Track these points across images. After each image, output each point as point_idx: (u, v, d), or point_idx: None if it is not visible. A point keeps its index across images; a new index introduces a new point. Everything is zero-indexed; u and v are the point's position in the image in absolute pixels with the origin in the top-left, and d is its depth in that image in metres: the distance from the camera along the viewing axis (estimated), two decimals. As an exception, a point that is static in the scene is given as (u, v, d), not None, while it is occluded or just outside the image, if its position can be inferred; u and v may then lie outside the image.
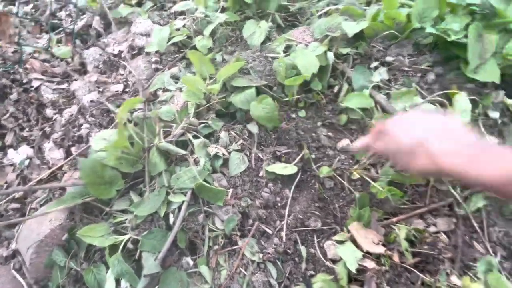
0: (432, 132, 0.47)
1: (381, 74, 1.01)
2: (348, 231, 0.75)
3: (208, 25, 1.25)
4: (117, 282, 0.71)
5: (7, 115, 1.16)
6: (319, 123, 1.01)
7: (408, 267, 0.69)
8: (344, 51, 1.07)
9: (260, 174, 0.90)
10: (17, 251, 0.84)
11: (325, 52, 1.03)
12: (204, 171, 0.80)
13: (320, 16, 1.23)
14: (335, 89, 1.04)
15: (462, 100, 0.88)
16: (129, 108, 0.80)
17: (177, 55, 1.32)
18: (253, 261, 0.74)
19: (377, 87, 1.00)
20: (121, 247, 0.72)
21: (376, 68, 1.03)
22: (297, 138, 0.97)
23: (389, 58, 1.02)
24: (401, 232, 0.72)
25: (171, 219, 0.77)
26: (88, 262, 0.77)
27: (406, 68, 0.98)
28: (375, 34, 1.06)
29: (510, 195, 0.41)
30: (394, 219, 0.73)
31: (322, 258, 0.76)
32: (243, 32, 1.18)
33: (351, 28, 1.01)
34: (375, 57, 1.05)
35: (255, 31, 1.16)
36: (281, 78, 0.99)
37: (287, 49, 1.09)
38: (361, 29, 1.02)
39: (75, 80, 1.31)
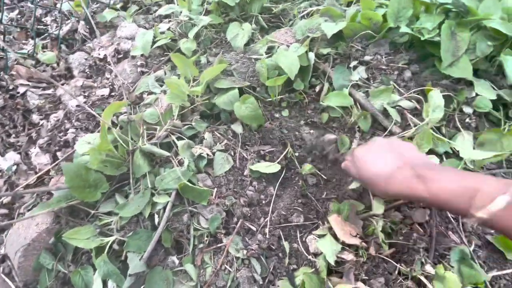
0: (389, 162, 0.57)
1: (359, 73, 1.04)
2: (329, 225, 0.78)
3: (192, 27, 1.26)
4: (104, 283, 0.73)
5: (-7, 122, 1.16)
6: (302, 122, 1.03)
7: (385, 257, 0.72)
8: (325, 51, 1.09)
9: (245, 173, 0.92)
10: (6, 256, 0.84)
11: (306, 52, 1.05)
12: (188, 172, 0.82)
13: (302, 18, 1.26)
14: (317, 89, 1.06)
15: (436, 96, 0.91)
16: (113, 111, 0.82)
17: (162, 58, 1.33)
18: (237, 258, 0.76)
19: (356, 86, 1.03)
20: (107, 248, 0.73)
21: (355, 67, 1.06)
22: (281, 137, 0.99)
23: (367, 57, 1.05)
24: (378, 224, 0.75)
25: (156, 220, 0.78)
26: (76, 265, 0.78)
27: (384, 67, 1.01)
28: (353, 34, 1.09)
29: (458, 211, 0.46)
30: (371, 212, 0.76)
31: (305, 253, 0.78)
32: (227, 34, 1.20)
33: (330, 28, 1.04)
34: (354, 56, 1.08)
35: (238, 33, 1.19)
36: (263, 79, 1.01)
37: (270, 50, 1.11)
38: (340, 30, 1.05)
39: (62, 84, 1.31)
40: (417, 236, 0.72)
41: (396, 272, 0.72)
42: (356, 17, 1.08)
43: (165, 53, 1.33)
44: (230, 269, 0.75)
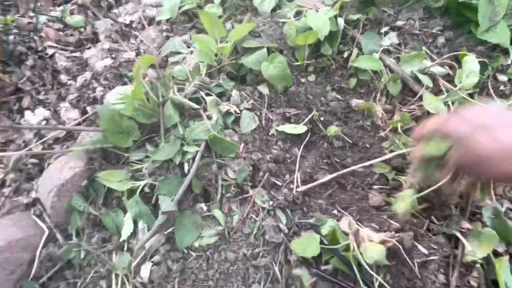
0: None
1: (391, 39, 1.02)
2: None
3: (219, -7, 1.25)
4: (135, 224, 0.75)
5: (24, 79, 1.20)
6: (328, 88, 1.02)
7: (415, 212, 0.72)
8: (354, 17, 1.07)
9: (270, 133, 0.92)
10: (37, 199, 0.88)
11: (335, 17, 1.04)
12: (217, 125, 0.83)
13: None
14: (345, 55, 1.05)
15: (471, 61, 0.89)
16: (145, 63, 0.83)
17: (187, 25, 1.34)
18: (263, 208, 0.77)
19: (387, 51, 1.01)
20: (138, 191, 0.75)
21: (386, 33, 1.04)
22: (307, 102, 0.99)
23: (399, 23, 1.03)
24: (407, 181, 0.74)
25: (186, 168, 0.80)
26: (106, 208, 0.81)
27: (417, 32, 0.99)
28: (384, 0, 1.06)
29: None
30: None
31: (330, 208, 0.78)
32: (254, 0, 1.19)
33: (362, -8, 1.01)
34: (386, 22, 1.05)
35: (265, -2, 1.17)
36: (291, 41, 1.00)
37: (298, 14, 1.10)
38: (372, -5, 1.02)
39: (88, 48, 1.33)
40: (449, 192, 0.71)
41: (425, 227, 0.71)
42: (389, -18, 1.05)
43: (190, 20, 1.33)
44: (256, 218, 0.76)
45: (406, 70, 0.95)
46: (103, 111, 0.76)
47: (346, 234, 0.70)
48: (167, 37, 1.28)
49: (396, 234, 0.68)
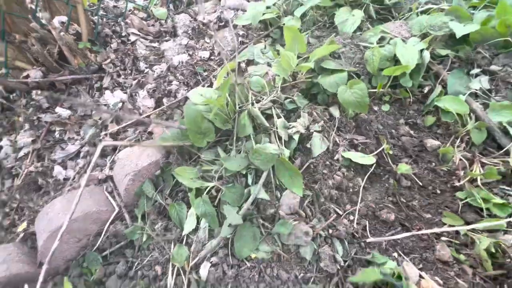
0: None
1: (481, 82, 0.96)
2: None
3: (299, 7, 1.26)
4: (197, 221, 0.79)
5: (108, 60, 1.30)
6: (401, 121, 0.99)
7: (485, 278, 0.67)
8: (443, 52, 1.02)
9: (335, 158, 0.91)
10: (110, 177, 0.95)
11: (421, 50, 0.99)
12: (286, 151, 0.83)
13: (418, 14, 1.18)
14: (425, 90, 1.00)
15: None
16: (228, 70, 0.86)
17: (262, 32, 1.36)
18: (320, 235, 0.77)
19: (474, 95, 0.95)
20: (206, 191, 0.78)
21: (476, 75, 0.98)
22: (377, 131, 0.96)
23: (494, 67, 0.96)
24: (482, 243, 0.69)
25: (249, 179, 0.82)
26: (172, 199, 0.85)
27: (513, 80, 0.92)
28: (482, 40, 0.99)
29: None
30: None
31: (390, 249, 0.76)
32: (336, 18, 1.18)
33: (460, 29, 0.96)
34: (478, 63, 0.99)
35: (347, 18, 1.16)
36: (371, 68, 0.98)
37: (381, 40, 1.07)
38: (467, 33, 0.97)
39: (166, 40, 1.41)
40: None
41: (495, 296, 0.66)
42: (490, 22, 0.98)
43: (266, 28, 1.36)
44: (313, 242, 0.76)
45: (494, 119, 0.89)
46: (189, 111, 0.81)
47: (406, 279, 0.67)
48: (242, 42, 1.31)
49: (463, 296, 0.65)
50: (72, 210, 0.65)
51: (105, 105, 1.23)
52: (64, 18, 1.27)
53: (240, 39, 1.32)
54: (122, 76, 1.28)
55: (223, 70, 0.84)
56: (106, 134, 1.10)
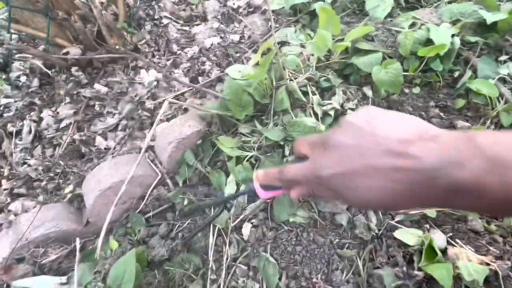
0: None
1: (509, 68, 0.98)
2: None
3: (330, -7, 1.30)
4: (237, 186, 0.83)
5: (143, 41, 1.35)
6: (431, 103, 1.02)
7: (518, 246, 0.70)
8: (472, 39, 1.05)
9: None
10: (151, 147, 1.00)
11: (452, 36, 1.02)
12: (321, 125, 0.87)
13: (446, 3, 1.21)
14: (455, 74, 1.03)
15: None
16: (264, 48, 0.90)
17: (290, 18, 1.40)
18: (356, 204, 0.81)
19: (502, 80, 0.98)
20: (245, 159, 0.83)
21: (505, 61, 1.00)
22: (408, 112, 0.99)
23: (523, 53, 0.98)
24: None
25: (286, 151, 0.86)
26: (211, 168, 0.90)
27: (543, 66, 0.94)
28: (509, 29, 1.02)
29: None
30: None
31: (422, 220, 0.79)
32: (366, 4, 1.21)
33: (490, 16, 0.99)
34: (506, 50, 1.02)
35: (379, 4, 1.19)
36: (404, 51, 1.01)
37: (412, 26, 1.10)
38: (495, 21, 0.99)
39: (197, 25, 1.46)
40: None
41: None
42: (520, 10, 1.01)
43: (295, 14, 1.39)
44: (347, 211, 0.80)
45: (523, 102, 0.91)
46: (230, 83, 0.85)
47: (438, 249, 0.71)
48: (271, 27, 1.35)
49: (494, 260, 0.68)
50: (138, 160, 0.70)
51: (140, 83, 1.28)
52: (103, -1, 1.33)
53: (269, 23, 1.36)
54: (157, 57, 1.34)
55: (260, 48, 0.88)
56: (143, 109, 1.15)
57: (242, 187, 0.83)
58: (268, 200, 0.81)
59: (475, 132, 0.24)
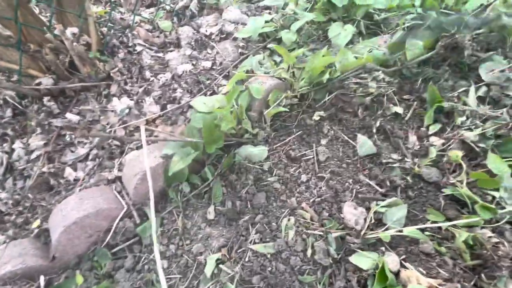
0: None
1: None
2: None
3: (295, 21, 1.36)
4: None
5: (115, 69, 1.38)
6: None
7: (464, 268, 0.74)
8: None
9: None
10: (119, 178, 1.02)
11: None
12: None
13: (404, 29, 1.29)
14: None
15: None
16: (235, 80, 0.94)
17: (259, 44, 1.46)
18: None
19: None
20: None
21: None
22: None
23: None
24: (461, 236, 0.77)
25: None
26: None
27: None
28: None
29: None
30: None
31: (378, 243, 0.83)
32: (329, 32, 1.28)
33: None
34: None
35: (340, 32, 1.26)
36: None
37: (370, 52, 1.17)
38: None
39: (170, 51, 1.50)
40: (503, 253, 0.73)
41: (472, 283, 0.73)
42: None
43: (264, 40, 1.45)
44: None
45: None
46: (204, 119, 0.86)
47: (391, 272, 0.74)
48: (241, 54, 1.41)
49: (443, 283, 0.72)
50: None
51: (112, 111, 1.30)
52: (75, 30, 1.36)
53: (240, 50, 1.42)
54: (129, 84, 1.36)
55: (232, 80, 0.93)
56: (114, 138, 1.17)
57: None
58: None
59: None
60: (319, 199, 0.92)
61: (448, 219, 0.85)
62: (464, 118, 1.00)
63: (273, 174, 0.98)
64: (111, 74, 1.39)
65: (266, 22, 1.43)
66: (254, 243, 0.85)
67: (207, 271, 0.80)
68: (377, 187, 0.94)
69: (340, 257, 0.82)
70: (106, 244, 0.91)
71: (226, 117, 0.87)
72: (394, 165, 0.96)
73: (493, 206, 0.80)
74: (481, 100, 1.07)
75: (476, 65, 1.12)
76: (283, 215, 0.89)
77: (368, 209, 0.89)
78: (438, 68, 1.14)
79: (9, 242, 0.92)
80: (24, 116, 1.31)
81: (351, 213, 0.87)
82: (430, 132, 1.02)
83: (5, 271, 0.85)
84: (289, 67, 1.12)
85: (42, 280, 0.83)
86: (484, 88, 1.08)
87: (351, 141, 1.03)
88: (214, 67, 1.39)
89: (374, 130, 1.04)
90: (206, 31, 1.54)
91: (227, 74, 1.33)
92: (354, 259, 0.78)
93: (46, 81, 1.30)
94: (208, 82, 1.28)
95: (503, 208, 0.81)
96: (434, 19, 1.15)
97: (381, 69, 1.08)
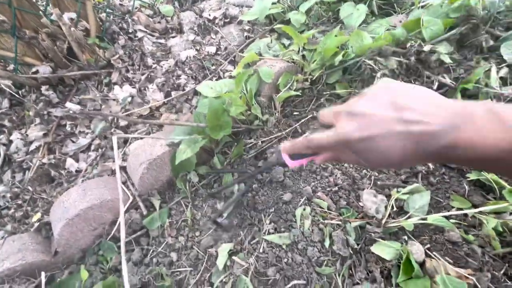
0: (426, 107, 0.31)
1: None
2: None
3: (304, 2, 1.29)
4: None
5: (116, 56, 1.32)
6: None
7: (493, 256, 0.69)
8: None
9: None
10: (123, 168, 0.97)
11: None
12: None
13: (419, 8, 1.21)
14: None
15: None
16: (245, 62, 0.88)
17: (266, 27, 1.39)
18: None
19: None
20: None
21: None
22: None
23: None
24: (490, 223, 0.72)
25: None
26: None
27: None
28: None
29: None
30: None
31: (400, 232, 0.78)
32: (341, 12, 1.21)
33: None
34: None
35: (353, 12, 1.19)
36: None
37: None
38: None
39: (173, 37, 1.44)
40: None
41: (503, 271, 0.69)
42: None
43: (270, 23, 1.38)
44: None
45: None
46: (210, 104, 0.81)
47: (416, 262, 0.69)
48: (247, 37, 1.34)
49: (473, 272, 0.67)
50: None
51: (114, 100, 1.24)
52: (73, 15, 1.29)
53: (245, 34, 1.35)
54: (131, 72, 1.30)
55: (240, 64, 0.86)
56: (116, 127, 1.12)
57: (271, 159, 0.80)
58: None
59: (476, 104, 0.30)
60: (336, 187, 0.87)
61: (474, 206, 0.80)
62: (488, 100, 0.94)
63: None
64: (112, 62, 1.32)
65: (273, 3, 1.36)
66: (269, 233, 0.80)
67: (219, 263, 0.76)
68: (396, 174, 0.89)
69: (360, 247, 0.77)
70: (112, 237, 0.87)
71: (235, 101, 0.81)
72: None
73: (523, 190, 0.75)
74: (503, 81, 1.01)
75: (498, 43, 1.06)
76: (299, 205, 0.84)
77: (388, 196, 0.84)
78: (458, 49, 1.08)
79: (6, 237, 0.88)
80: (21, 106, 1.26)
81: (371, 200, 0.82)
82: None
83: (2, 269, 0.80)
84: (299, 49, 1.06)
85: (43, 276, 0.78)
86: (505, 69, 1.02)
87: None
88: (219, 52, 1.32)
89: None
90: (209, 15, 1.47)
91: (233, 59, 1.27)
92: (375, 249, 0.73)
93: (44, 69, 1.24)
94: (213, 67, 1.22)
95: (534, 192, 0.76)
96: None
97: (399, 50, 1.02)
